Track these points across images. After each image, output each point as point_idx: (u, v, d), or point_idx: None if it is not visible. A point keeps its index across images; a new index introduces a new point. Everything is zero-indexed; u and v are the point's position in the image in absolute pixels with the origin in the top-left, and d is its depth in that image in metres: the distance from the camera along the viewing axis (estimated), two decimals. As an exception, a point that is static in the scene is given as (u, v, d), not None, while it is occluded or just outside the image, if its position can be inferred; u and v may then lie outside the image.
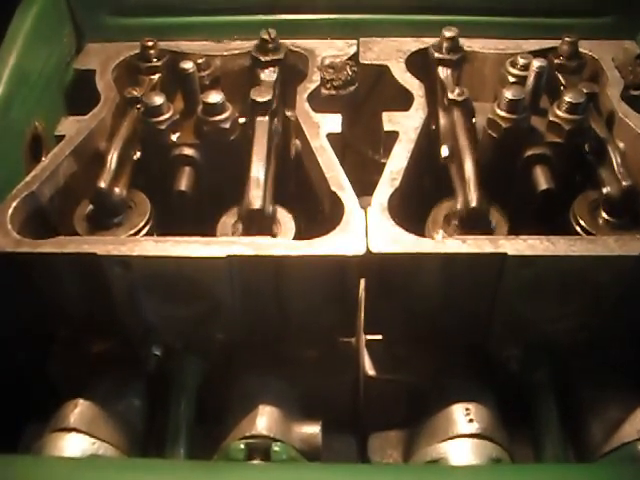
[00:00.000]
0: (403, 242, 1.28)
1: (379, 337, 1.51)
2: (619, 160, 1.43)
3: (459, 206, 1.39)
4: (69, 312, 1.41)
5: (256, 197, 1.37)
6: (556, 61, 1.70)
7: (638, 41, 1.83)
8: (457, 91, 1.57)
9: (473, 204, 1.35)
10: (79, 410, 1.36)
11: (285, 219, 1.44)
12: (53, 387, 1.49)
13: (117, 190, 1.42)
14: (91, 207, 1.44)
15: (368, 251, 1.26)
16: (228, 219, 1.44)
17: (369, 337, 1.52)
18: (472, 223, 1.38)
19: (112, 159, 1.43)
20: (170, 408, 1.42)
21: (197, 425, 1.42)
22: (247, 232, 1.39)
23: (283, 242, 1.30)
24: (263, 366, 1.48)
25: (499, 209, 1.44)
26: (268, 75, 1.66)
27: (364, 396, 1.53)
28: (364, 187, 1.45)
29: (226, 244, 1.28)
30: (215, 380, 1.48)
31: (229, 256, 1.25)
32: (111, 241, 1.31)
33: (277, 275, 1.30)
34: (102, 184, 1.39)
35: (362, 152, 1.94)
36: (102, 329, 1.46)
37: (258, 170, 1.41)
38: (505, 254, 1.24)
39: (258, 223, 1.38)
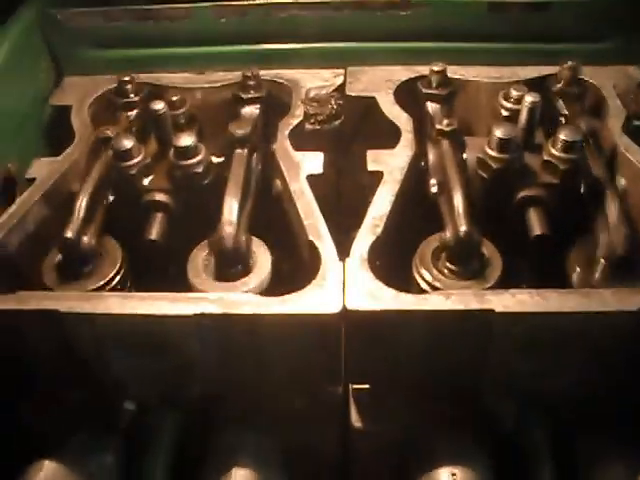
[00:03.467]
0: (382, 298, 1.19)
1: (366, 386, 1.42)
2: (617, 205, 1.33)
3: (448, 234, 1.30)
4: (36, 366, 1.35)
5: (228, 234, 1.30)
6: (556, 87, 1.61)
7: (642, 67, 1.74)
8: (445, 122, 1.49)
9: (463, 228, 1.27)
10: (44, 475, 1.29)
11: (260, 250, 1.36)
12: (22, 443, 1.42)
13: (86, 239, 1.35)
14: (60, 257, 1.37)
15: (344, 308, 1.18)
16: (199, 252, 1.37)
17: (356, 386, 1.43)
18: (463, 251, 1.29)
19: (81, 205, 1.37)
20: (145, 466, 1.35)
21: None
22: (220, 267, 1.32)
23: (253, 299, 1.22)
24: (243, 422, 1.40)
25: (490, 244, 1.35)
26: (249, 111, 1.59)
27: (351, 450, 1.45)
28: (360, 216, 1.37)
29: (194, 301, 1.20)
30: (193, 435, 1.40)
31: (197, 315, 1.18)
32: (74, 297, 1.24)
33: (250, 332, 1.22)
34: (69, 233, 1.33)
35: (357, 179, 1.85)
36: (72, 384, 1.38)
37: (231, 206, 1.33)
38: (492, 311, 1.16)
39: (230, 263, 1.31)
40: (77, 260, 1.35)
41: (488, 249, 1.33)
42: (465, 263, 1.30)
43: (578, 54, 1.64)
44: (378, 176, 1.44)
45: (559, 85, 1.62)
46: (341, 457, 1.47)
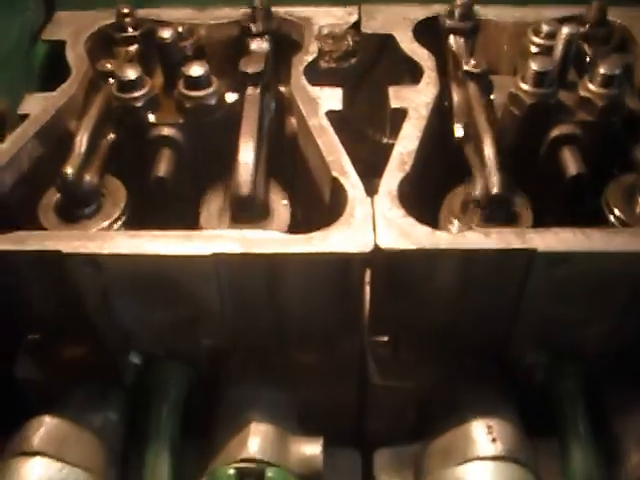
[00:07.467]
0: (416, 236, 1.10)
1: (385, 339, 1.34)
2: (659, 140, 1.26)
3: (478, 192, 1.23)
4: (36, 314, 1.25)
5: (245, 182, 1.19)
6: (581, 29, 1.52)
7: (670, 9, 1.66)
8: (473, 62, 1.40)
9: (495, 190, 1.19)
10: (44, 430, 1.19)
11: (279, 205, 1.28)
12: (21, 398, 1.32)
13: (87, 177, 1.25)
14: (58, 196, 1.26)
15: (376, 247, 1.09)
16: (212, 197, 1.27)
17: (374, 339, 1.35)
18: (493, 211, 1.22)
19: (81, 142, 1.26)
20: (152, 424, 1.26)
21: (182, 440, 1.26)
22: (235, 222, 1.23)
23: (277, 237, 1.12)
24: (256, 375, 1.31)
25: (521, 193, 1.28)
26: (259, 45, 1.48)
27: (369, 406, 1.37)
28: (364, 170, 1.27)
29: (211, 239, 1.11)
30: (202, 391, 1.32)
31: (215, 254, 1.08)
32: (78, 236, 1.13)
33: (271, 275, 1.13)
34: (69, 170, 1.22)
35: (362, 131, 1.76)
36: (74, 334, 1.28)
37: (247, 150, 1.23)
38: (535, 250, 1.08)
39: (248, 212, 1.22)
40: (78, 200, 1.25)
41: (517, 200, 1.26)
42: (495, 219, 1.22)
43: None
44: (399, 114, 1.35)
45: (585, 26, 1.53)
46: (359, 412, 1.39)
